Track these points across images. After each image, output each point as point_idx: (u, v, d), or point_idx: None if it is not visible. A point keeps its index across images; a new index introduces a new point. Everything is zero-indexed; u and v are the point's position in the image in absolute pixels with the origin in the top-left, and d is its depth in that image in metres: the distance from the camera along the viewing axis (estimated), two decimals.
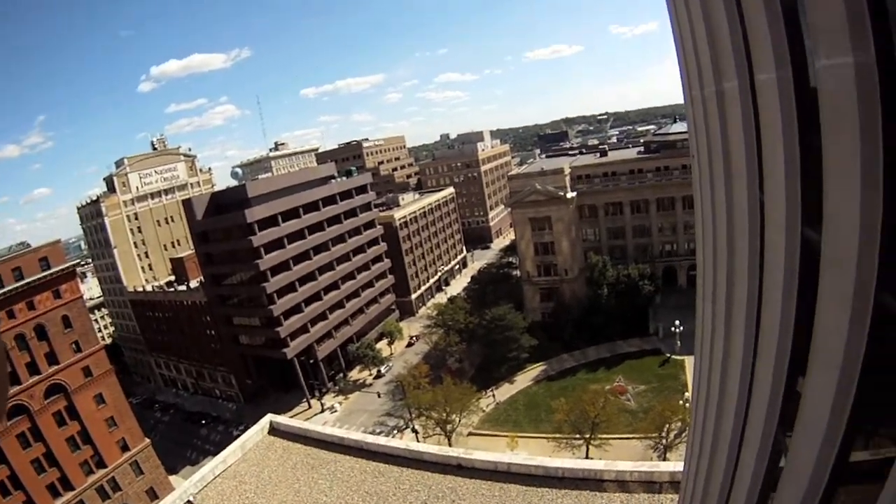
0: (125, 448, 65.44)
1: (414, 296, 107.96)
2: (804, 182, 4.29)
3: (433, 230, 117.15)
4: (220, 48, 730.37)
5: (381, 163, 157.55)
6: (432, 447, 28.00)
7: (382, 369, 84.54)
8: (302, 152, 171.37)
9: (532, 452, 52.85)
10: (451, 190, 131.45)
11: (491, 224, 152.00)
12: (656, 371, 66.77)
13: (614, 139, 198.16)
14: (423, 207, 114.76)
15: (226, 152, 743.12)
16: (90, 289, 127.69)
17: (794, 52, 3.90)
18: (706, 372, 8.14)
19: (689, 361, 61.92)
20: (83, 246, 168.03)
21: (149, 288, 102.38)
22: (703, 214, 7.70)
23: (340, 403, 79.40)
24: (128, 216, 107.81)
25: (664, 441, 50.56)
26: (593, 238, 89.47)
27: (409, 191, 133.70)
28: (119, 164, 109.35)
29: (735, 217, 6.00)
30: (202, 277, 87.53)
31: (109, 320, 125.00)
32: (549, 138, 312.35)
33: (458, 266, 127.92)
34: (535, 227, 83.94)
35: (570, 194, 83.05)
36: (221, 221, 79.06)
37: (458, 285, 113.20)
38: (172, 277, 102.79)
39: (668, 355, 68.35)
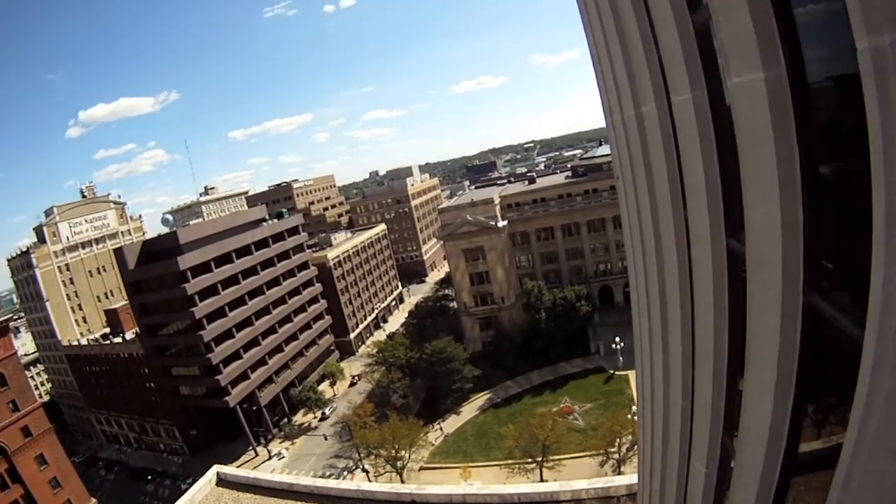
0: None
1: (353, 335, 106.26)
2: (725, 195, 4.49)
3: (367, 268, 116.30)
4: (148, 91, 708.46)
5: (312, 203, 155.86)
6: (385, 485, 27.41)
7: (327, 411, 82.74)
8: (232, 196, 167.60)
9: (486, 481, 52.33)
10: (382, 226, 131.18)
11: (425, 258, 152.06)
12: (601, 388, 67.72)
13: (542, 166, 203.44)
14: (356, 246, 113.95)
15: (156, 198, 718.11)
16: (24, 344, 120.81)
17: (707, 72, 4.11)
18: (648, 385, 8.30)
19: (632, 376, 63.07)
20: (15, 299, 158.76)
21: (84, 341, 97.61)
22: (631, 233, 7.93)
23: (287, 449, 77.01)
24: (59, 267, 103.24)
25: (617, 455, 51.14)
26: (527, 264, 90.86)
27: (341, 230, 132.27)
28: (48, 213, 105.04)
29: (661, 233, 6.18)
30: (138, 328, 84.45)
31: (46, 377, 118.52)
32: (478, 169, 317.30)
33: (394, 302, 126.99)
34: (468, 258, 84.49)
35: (501, 223, 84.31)
36: (154, 270, 76.96)
37: (395, 321, 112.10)
38: (108, 330, 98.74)
39: (612, 372, 69.54)
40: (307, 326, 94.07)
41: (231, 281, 79.89)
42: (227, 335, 77.62)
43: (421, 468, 61.29)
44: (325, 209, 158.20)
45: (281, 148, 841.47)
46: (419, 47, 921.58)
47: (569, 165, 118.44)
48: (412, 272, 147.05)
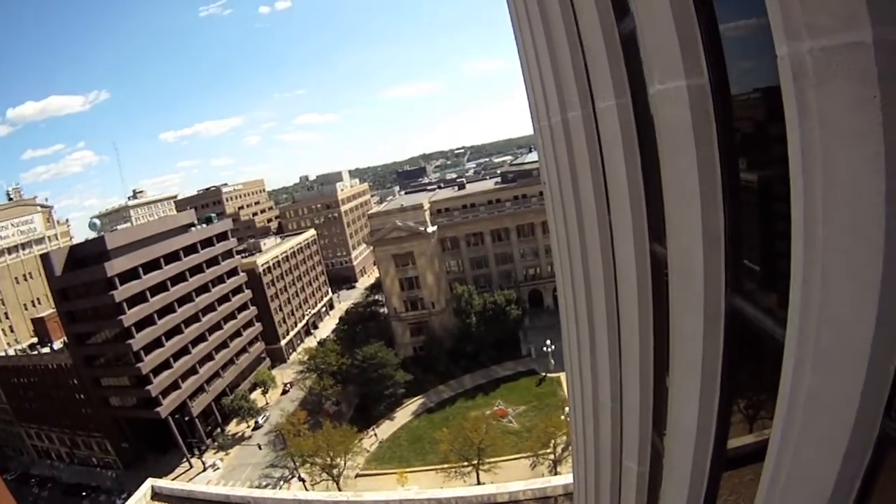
0: None
1: (283, 342, 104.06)
2: (648, 201, 4.59)
3: (297, 274, 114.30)
4: (78, 90, 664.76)
5: (242, 208, 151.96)
6: (321, 494, 27.10)
7: (260, 420, 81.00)
8: (161, 200, 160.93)
9: (423, 486, 52.28)
10: (312, 232, 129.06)
11: (354, 263, 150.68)
12: (534, 391, 68.88)
13: (472, 172, 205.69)
14: (286, 251, 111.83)
15: (84, 202, 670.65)
16: None
17: (633, 79, 4.18)
18: (578, 387, 8.42)
19: (564, 377, 64.10)
20: None
21: (11, 352, 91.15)
22: (558, 238, 8.04)
23: (222, 460, 74.60)
24: None
25: (553, 456, 52.06)
26: (457, 269, 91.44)
27: (271, 235, 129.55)
28: None
29: (587, 238, 6.27)
30: (66, 338, 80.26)
31: None
32: (408, 175, 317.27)
33: (325, 308, 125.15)
34: (398, 264, 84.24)
35: (430, 228, 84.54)
36: (81, 276, 73.62)
37: (326, 328, 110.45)
38: (35, 339, 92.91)
39: (544, 374, 70.85)
40: (237, 334, 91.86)
41: (160, 288, 77.60)
42: (156, 344, 75.30)
43: (357, 475, 60.74)
44: (255, 214, 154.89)
45: (212, 151, 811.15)
46: (353, 51, 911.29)
47: (499, 171, 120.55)
48: (342, 278, 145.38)
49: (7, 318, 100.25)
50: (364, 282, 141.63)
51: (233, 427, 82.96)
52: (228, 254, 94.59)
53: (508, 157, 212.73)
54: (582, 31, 4.79)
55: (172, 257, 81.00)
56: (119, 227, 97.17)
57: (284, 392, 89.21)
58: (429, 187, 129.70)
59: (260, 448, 74.11)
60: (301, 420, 66.86)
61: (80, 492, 79.45)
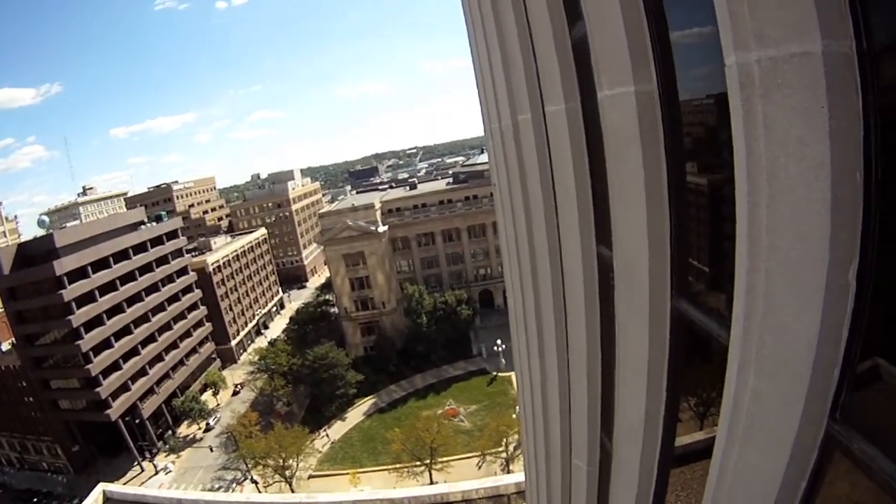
0: None
1: (234, 342, 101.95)
2: (595, 204, 4.62)
3: (248, 273, 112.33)
4: (30, 82, 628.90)
5: (192, 206, 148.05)
6: (274, 496, 26.80)
7: (211, 422, 79.27)
8: (111, 197, 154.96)
9: (376, 486, 52.22)
10: (263, 231, 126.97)
11: (305, 263, 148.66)
12: (485, 390, 69.36)
13: (424, 172, 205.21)
14: (236, 250, 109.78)
15: (34, 198, 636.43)
16: None
17: (583, 84, 4.19)
18: (528, 387, 8.49)
19: (515, 377, 64.92)
20: None
21: None
22: (507, 239, 8.08)
23: (174, 462, 72.74)
24: None
25: (505, 455, 52.52)
26: (408, 269, 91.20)
27: (221, 234, 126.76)
28: None
29: (535, 240, 6.31)
30: (14, 339, 77.18)
31: None
32: (360, 174, 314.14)
33: (275, 308, 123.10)
34: (349, 263, 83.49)
35: (382, 228, 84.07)
36: (29, 275, 70.96)
37: (277, 327, 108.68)
38: None
39: (495, 373, 71.39)
40: (187, 334, 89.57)
41: (109, 287, 75.37)
42: (106, 344, 73.12)
43: (310, 476, 60.20)
44: (206, 212, 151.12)
45: (163, 147, 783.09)
46: (309, 48, 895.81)
47: (451, 172, 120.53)
48: (293, 277, 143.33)
49: None
50: (315, 281, 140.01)
51: (184, 429, 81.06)
52: (178, 252, 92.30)
53: (461, 158, 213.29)
54: (534, 34, 4.80)
55: (122, 256, 78.99)
56: (68, 224, 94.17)
57: (235, 393, 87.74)
58: (381, 187, 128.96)
59: (212, 450, 72.67)
60: (252, 421, 65.77)
61: (31, 498, 76.80)
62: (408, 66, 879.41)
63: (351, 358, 74.41)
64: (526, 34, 4.95)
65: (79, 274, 71.18)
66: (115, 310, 75.86)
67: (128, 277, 79.11)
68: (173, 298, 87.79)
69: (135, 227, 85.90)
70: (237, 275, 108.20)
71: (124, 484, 57.31)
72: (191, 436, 79.21)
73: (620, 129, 3.32)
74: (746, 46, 1.93)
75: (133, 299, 79.27)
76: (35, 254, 72.48)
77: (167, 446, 77.28)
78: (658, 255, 3.37)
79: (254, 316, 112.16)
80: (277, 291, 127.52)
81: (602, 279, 4.90)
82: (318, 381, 70.67)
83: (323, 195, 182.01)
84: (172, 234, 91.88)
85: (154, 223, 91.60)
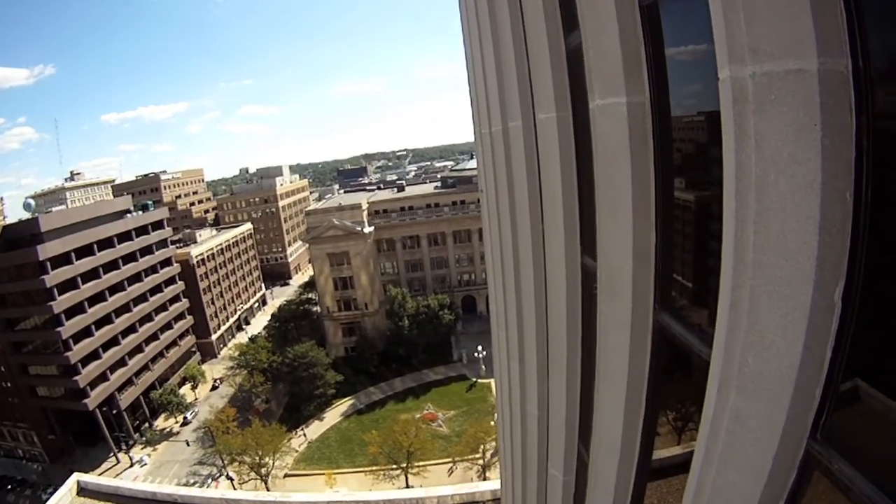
0: None
1: (214, 336, 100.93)
2: (581, 214, 4.61)
3: (231, 267, 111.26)
4: (23, 62, 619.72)
5: (179, 197, 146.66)
6: (249, 493, 26.56)
7: (188, 416, 78.33)
8: (98, 183, 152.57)
9: (352, 488, 51.91)
10: (248, 226, 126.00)
11: (290, 260, 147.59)
12: (464, 396, 69.21)
13: (412, 175, 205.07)
14: (221, 244, 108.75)
15: (21, 180, 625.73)
16: None
17: (575, 93, 4.18)
18: (507, 394, 8.46)
19: (494, 384, 64.85)
20: None
21: None
22: (492, 245, 8.06)
23: (149, 455, 71.74)
24: None
25: (482, 461, 52.40)
26: (392, 271, 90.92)
27: (207, 226, 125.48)
28: None
29: (520, 247, 6.29)
30: None
31: None
32: (349, 174, 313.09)
33: (257, 304, 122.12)
34: (333, 263, 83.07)
35: (367, 229, 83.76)
36: (12, 258, 70.04)
37: (258, 324, 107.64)
38: None
39: (475, 380, 71.26)
40: (168, 326, 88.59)
41: (91, 275, 74.39)
42: (86, 333, 72.24)
43: (286, 475, 59.70)
44: (192, 204, 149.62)
45: (154, 136, 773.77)
46: (302, 45, 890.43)
47: (439, 176, 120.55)
48: (276, 274, 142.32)
49: None
50: (298, 279, 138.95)
51: (161, 422, 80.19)
52: (163, 243, 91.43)
53: (449, 163, 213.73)
54: (529, 42, 4.79)
55: (106, 244, 78.11)
56: (54, 209, 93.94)
57: (214, 388, 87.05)
58: (368, 187, 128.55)
59: (188, 444, 71.93)
60: (230, 417, 65.21)
61: (5, 485, 75.95)
62: (400, 69, 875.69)
63: (331, 358, 73.97)
64: (521, 41, 4.94)
65: (62, 260, 70.44)
66: (97, 298, 75.10)
67: (111, 266, 78.34)
68: (156, 289, 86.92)
69: (121, 215, 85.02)
70: (221, 268, 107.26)
71: (99, 475, 56.56)
72: (168, 429, 78.43)
73: (610, 139, 3.31)
74: (741, 60, 1.91)
75: (115, 288, 78.49)
76: (19, 237, 71.69)
77: (143, 438, 76.53)
78: (642, 268, 3.36)
79: (236, 311, 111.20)
80: (260, 287, 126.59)
81: (585, 289, 4.89)
82: (297, 379, 70.21)
83: (311, 193, 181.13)
84: (158, 225, 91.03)
85: (140, 212, 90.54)
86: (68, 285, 70.76)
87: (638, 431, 3.92)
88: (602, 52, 3.18)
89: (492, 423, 53.33)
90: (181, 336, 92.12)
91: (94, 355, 73.06)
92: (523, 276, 6.33)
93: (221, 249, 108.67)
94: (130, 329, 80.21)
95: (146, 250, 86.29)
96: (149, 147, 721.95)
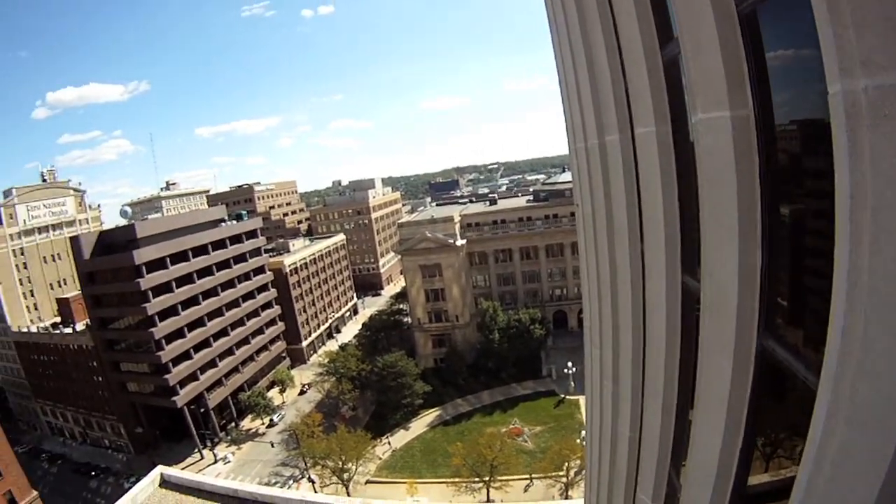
0: (13, 501, 59.05)
1: (305, 343, 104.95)
2: (683, 231, 4.48)
3: (324, 276, 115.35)
4: (118, 79, 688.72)
5: (273, 207, 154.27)
6: (330, 497, 27.07)
7: (275, 418, 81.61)
8: (193, 193, 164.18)
9: (432, 498, 52.37)
10: (341, 236, 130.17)
11: (381, 271, 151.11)
12: (552, 412, 68.15)
13: (504, 188, 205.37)
14: (314, 254, 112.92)
15: (117, 189, 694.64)
16: None
17: (673, 106, 4.09)
18: (598, 414, 8.27)
19: (583, 401, 62.42)
20: None
21: (34, 329, 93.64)
22: (587, 262, 7.94)
23: (233, 454, 75.50)
24: (13, 250, 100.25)
25: (565, 479, 51.40)
26: (484, 284, 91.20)
27: (300, 236, 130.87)
28: (7, 194, 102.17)
29: (617, 265, 6.17)
30: (89, 320, 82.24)
31: None
32: (440, 187, 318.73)
33: (349, 313, 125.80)
34: (425, 274, 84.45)
35: (459, 242, 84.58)
36: (109, 262, 75.51)
37: (349, 332, 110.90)
38: (59, 319, 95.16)
39: (563, 396, 70.05)
40: (259, 331, 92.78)
41: (186, 279, 78.77)
42: (178, 334, 76.43)
43: (367, 482, 60.68)
44: (285, 214, 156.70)
45: (246, 149, 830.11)
46: (392, 60, 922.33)
47: (531, 189, 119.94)
48: (368, 284, 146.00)
49: (32, 295, 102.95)
50: (390, 290, 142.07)
51: (247, 423, 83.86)
52: (256, 251, 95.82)
53: (541, 176, 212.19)
54: (624, 54, 4.74)
55: (201, 250, 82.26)
56: (150, 216, 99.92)
57: (302, 393, 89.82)
58: (460, 200, 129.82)
59: (273, 446, 74.73)
60: (316, 422, 67.25)
61: (89, 471, 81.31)
62: (491, 83, 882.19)
63: (420, 368, 75.01)
64: (615, 54, 4.90)
65: (157, 264, 74.38)
66: (191, 302, 79.06)
67: (205, 272, 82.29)
68: (248, 295, 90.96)
69: (215, 223, 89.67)
70: (313, 277, 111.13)
71: (182, 469, 59.99)
72: (253, 430, 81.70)
73: (715, 154, 3.22)
74: (852, 73, 1.82)
75: (209, 293, 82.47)
76: (116, 242, 76.51)
77: (229, 437, 79.83)
78: (747, 289, 3.22)
79: (327, 319, 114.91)
80: (352, 297, 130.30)
81: (685, 310, 4.74)
82: (385, 388, 71.47)
83: (403, 205, 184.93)
84: (252, 234, 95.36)
85: (234, 221, 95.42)
86: (163, 289, 74.64)
87: (735, 458, 3.74)
88: (703, 64, 3.10)
89: (578, 440, 52.08)
90: (272, 341, 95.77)
91: (185, 356, 76.81)
92: (620, 294, 6.21)
93: (314, 259, 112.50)
94: (222, 332, 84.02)
95: (240, 258, 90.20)
96: (241, 160, 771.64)
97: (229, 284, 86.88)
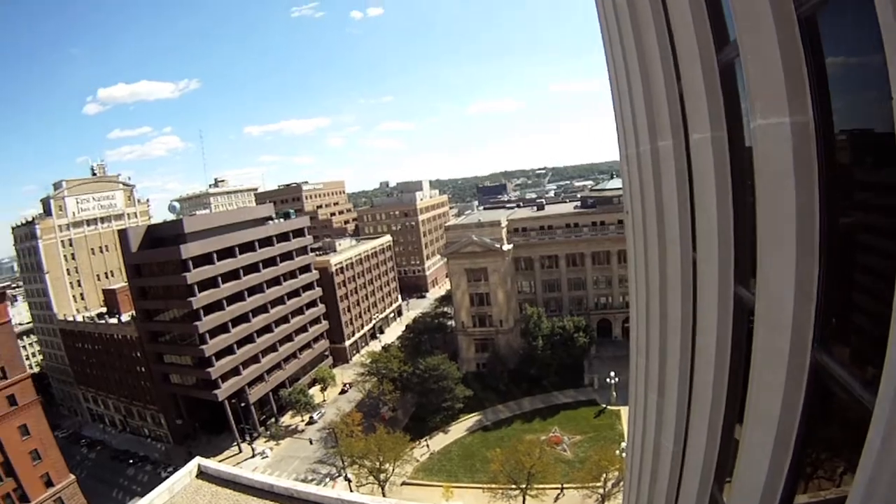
0: (49, 483, 61.48)
1: (348, 342, 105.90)
2: (737, 241, 4.36)
3: (369, 277, 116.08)
4: (169, 77, 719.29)
5: (320, 207, 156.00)
6: (365, 497, 27.10)
7: (315, 416, 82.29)
8: (241, 191, 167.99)
9: (467, 503, 51.92)
10: (388, 238, 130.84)
11: (427, 273, 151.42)
12: (592, 421, 67.07)
13: (552, 193, 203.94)
14: (360, 254, 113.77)
15: (166, 184, 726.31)
16: (19, 313, 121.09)
17: (729, 112, 3.99)
18: (640, 425, 8.11)
19: (624, 412, 62.47)
20: (15, 268, 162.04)
21: (79, 318, 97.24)
22: (636, 270, 7.80)
23: (272, 449, 76.60)
24: (62, 241, 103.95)
25: (602, 490, 50.60)
26: (529, 290, 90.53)
27: (347, 236, 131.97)
28: (57, 186, 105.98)
29: (668, 273, 6.04)
30: (134, 311, 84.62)
31: (38, 348, 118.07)
32: (488, 190, 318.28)
33: (393, 314, 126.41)
34: (470, 278, 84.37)
35: (506, 246, 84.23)
36: (156, 255, 77.13)
37: (392, 333, 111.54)
38: (104, 309, 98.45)
39: (604, 406, 68.92)
40: (303, 329, 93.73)
41: (232, 275, 79.73)
42: (222, 329, 77.52)
43: (403, 483, 60.85)
44: (333, 214, 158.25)
45: (294, 148, 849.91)
46: (441, 63, 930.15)
47: (579, 195, 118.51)
48: (413, 286, 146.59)
49: (79, 285, 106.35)
50: (434, 293, 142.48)
51: (287, 419, 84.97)
52: (303, 250, 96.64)
53: (589, 182, 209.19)
54: (679, 58, 4.64)
55: (247, 247, 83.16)
56: (198, 212, 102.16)
57: (343, 392, 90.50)
58: (508, 205, 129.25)
59: (311, 443, 75.54)
60: (356, 421, 67.57)
61: (127, 459, 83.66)
62: (540, 86, 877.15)
63: (462, 372, 74.93)
64: (669, 57, 4.80)
65: (203, 259, 75.39)
66: (236, 297, 79.81)
67: (251, 268, 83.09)
68: (293, 293, 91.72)
69: (262, 221, 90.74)
70: (359, 278, 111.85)
71: (220, 461, 61.29)
72: (293, 426, 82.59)
73: (773, 161, 3.12)
74: None
75: (254, 290, 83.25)
76: (163, 236, 77.93)
77: (268, 432, 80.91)
78: (804, 303, 3.12)
79: (371, 319, 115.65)
80: (397, 298, 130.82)
81: (737, 322, 4.61)
82: (426, 390, 71.62)
83: (450, 208, 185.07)
84: (299, 232, 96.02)
85: (282, 220, 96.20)
86: (208, 283, 75.65)
87: (783, 477, 3.61)
88: (762, 68, 3.02)
89: (617, 452, 51.14)
90: (315, 339, 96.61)
91: (228, 350, 77.81)
92: (670, 304, 6.08)
93: (360, 259, 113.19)
94: (266, 329, 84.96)
95: (286, 256, 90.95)
96: (289, 159, 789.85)
97: (275, 282, 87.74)
